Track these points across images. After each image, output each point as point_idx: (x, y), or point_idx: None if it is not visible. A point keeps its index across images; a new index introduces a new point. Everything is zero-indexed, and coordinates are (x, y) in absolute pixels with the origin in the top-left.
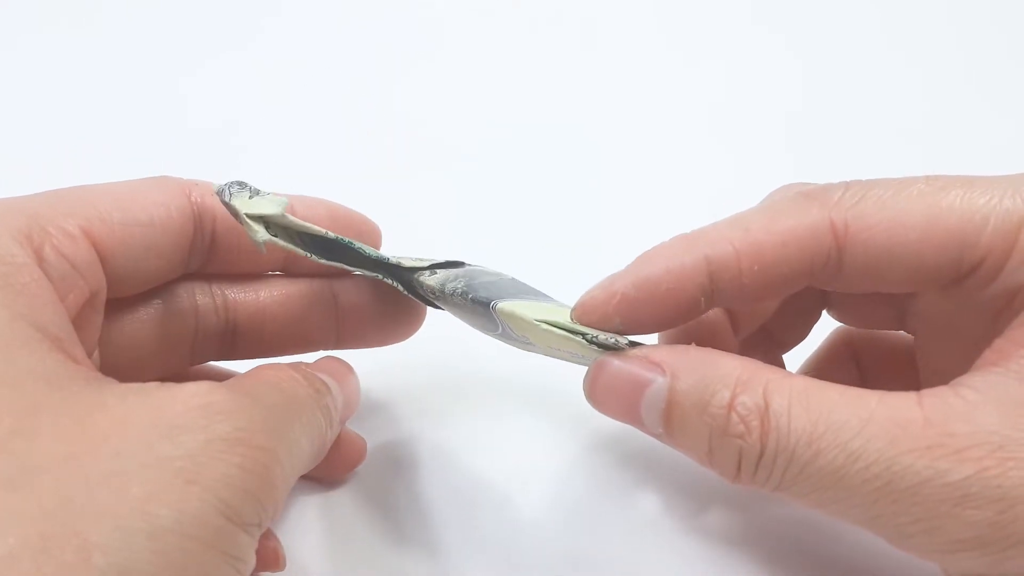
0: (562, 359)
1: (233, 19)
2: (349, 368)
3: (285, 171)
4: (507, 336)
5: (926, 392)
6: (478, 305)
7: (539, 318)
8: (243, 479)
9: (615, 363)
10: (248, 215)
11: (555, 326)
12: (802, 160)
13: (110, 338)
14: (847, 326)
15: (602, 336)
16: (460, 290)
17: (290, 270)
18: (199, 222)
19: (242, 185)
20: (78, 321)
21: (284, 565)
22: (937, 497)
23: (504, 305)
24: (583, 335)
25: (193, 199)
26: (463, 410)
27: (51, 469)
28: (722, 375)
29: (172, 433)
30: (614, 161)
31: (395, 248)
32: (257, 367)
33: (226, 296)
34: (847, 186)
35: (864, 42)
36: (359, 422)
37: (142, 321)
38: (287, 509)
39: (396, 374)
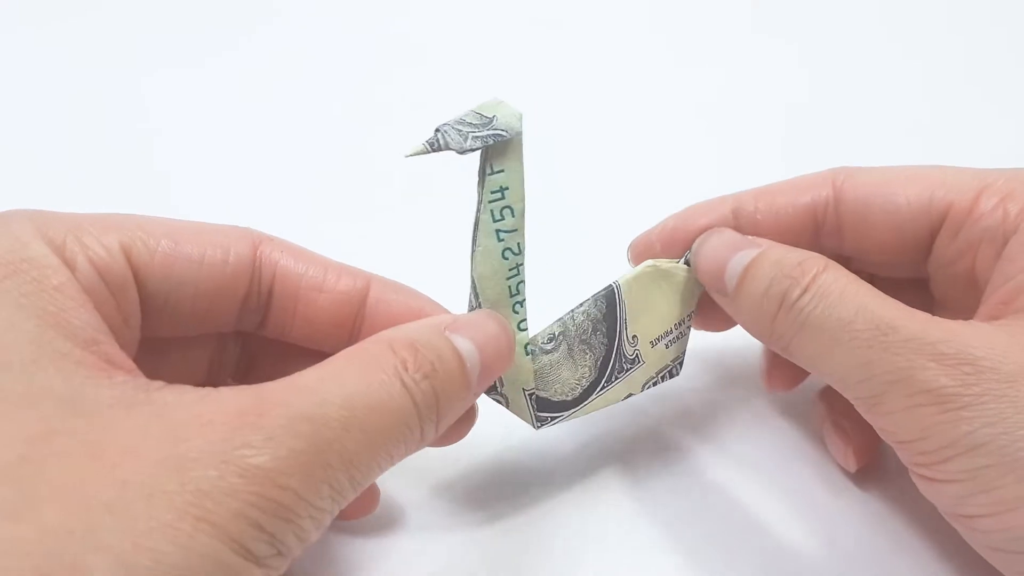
0: (657, 371)
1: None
2: (500, 328)
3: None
4: (620, 364)
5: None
6: (599, 300)
7: (650, 263)
8: (257, 516)
9: (729, 232)
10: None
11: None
12: (800, 159)
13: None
14: None
15: (691, 257)
16: (579, 307)
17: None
18: (258, 276)
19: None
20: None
21: (375, 506)
22: (920, 350)
23: (624, 276)
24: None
25: (259, 253)
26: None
27: (55, 499)
28: (799, 250)
29: (183, 466)
30: (605, 170)
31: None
32: (351, 355)
33: (253, 364)
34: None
35: (865, 40)
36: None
37: (157, 357)
38: None
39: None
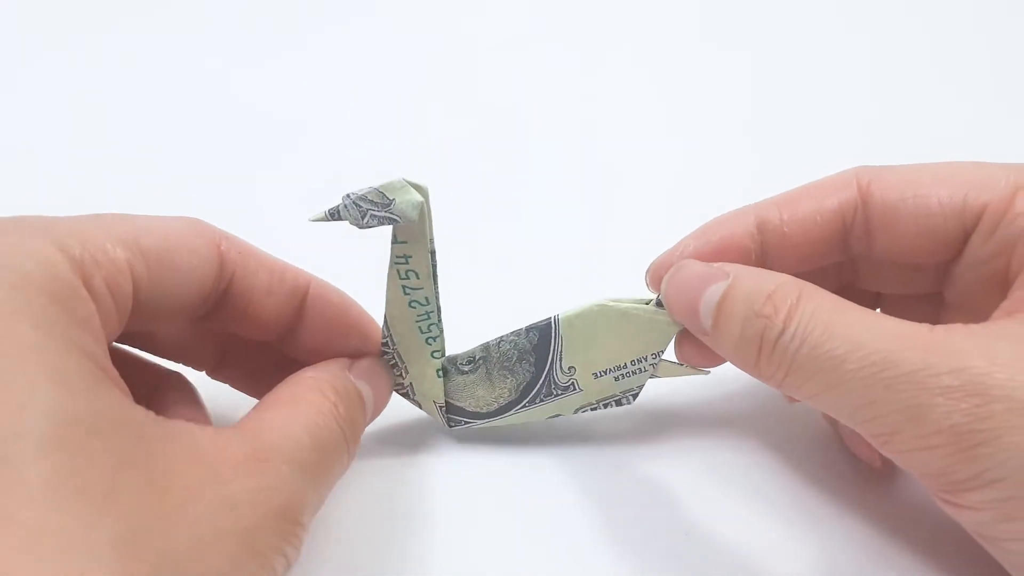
0: (598, 399)
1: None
2: (386, 371)
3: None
4: (548, 389)
5: (939, 325)
6: (532, 332)
7: (601, 302)
8: (284, 547)
9: (694, 264)
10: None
11: (619, 302)
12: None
13: None
14: None
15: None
16: (509, 335)
17: (284, 348)
18: (219, 276)
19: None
20: None
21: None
22: (924, 385)
23: (566, 312)
24: (647, 302)
25: (222, 252)
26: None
27: (150, 536)
28: (772, 277)
29: (234, 508)
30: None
31: None
32: (295, 396)
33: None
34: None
35: (851, 42)
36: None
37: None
38: None
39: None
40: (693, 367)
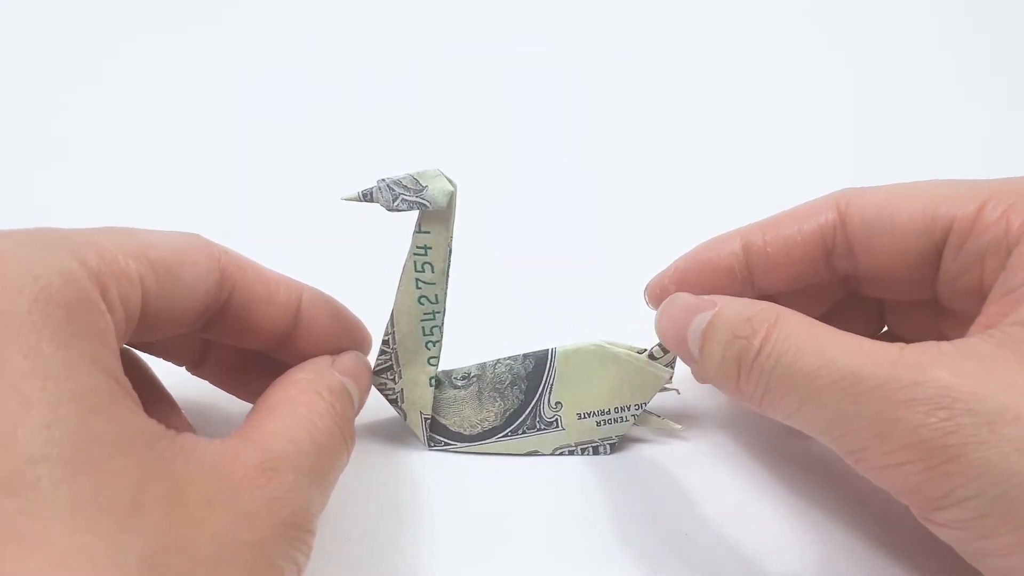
0: (577, 441)
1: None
2: (366, 365)
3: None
4: (533, 421)
5: (911, 344)
6: (529, 359)
7: (598, 342)
8: (296, 555)
9: (685, 296)
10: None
11: (615, 345)
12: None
13: None
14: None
15: (656, 350)
16: (506, 358)
17: (279, 356)
18: (220, 288)
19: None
20: None
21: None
22: (890, 398)
23: (564, 346)
24: (640, 351)
25: (222, 266)
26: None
27: (174, 553)
28: (753, 304)
29: (249, 520)
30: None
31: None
32: (292, 400)
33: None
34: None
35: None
36: None
37: None
38: None
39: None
40: (673, 423)
